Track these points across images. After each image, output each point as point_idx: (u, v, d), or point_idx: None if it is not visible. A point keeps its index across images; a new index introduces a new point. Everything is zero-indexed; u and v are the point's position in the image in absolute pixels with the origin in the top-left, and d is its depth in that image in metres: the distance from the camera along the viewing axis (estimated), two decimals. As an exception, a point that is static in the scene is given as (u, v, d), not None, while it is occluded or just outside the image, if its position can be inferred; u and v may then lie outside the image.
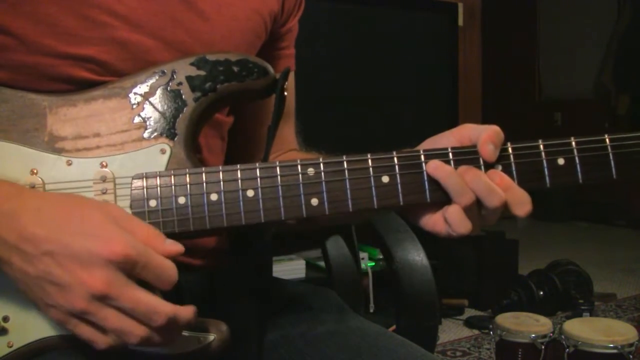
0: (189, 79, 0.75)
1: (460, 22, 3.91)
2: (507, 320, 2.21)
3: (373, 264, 2.83)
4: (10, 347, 0.70)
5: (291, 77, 0.99)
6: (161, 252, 0.66)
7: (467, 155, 0.73)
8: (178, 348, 0.70)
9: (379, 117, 3.33)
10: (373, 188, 0.73)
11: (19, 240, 0.63)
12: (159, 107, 0.75)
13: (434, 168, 0.72)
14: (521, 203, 0.72)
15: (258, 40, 0.90)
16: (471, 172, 0.71)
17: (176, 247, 0.67)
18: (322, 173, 0.73)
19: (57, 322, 0.67)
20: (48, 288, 0.63)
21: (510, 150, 0.74)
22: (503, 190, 0.71)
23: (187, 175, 0.72)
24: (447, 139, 0.75)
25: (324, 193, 0.72)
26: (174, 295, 0.73)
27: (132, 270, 0.64)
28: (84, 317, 0.64)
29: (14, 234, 0.64)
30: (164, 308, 0.64)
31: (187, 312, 0.66)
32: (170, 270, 0.66)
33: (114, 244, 0.63)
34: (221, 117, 0.90)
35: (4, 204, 0.65)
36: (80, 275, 0.62)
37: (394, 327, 1.16)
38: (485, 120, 0.75)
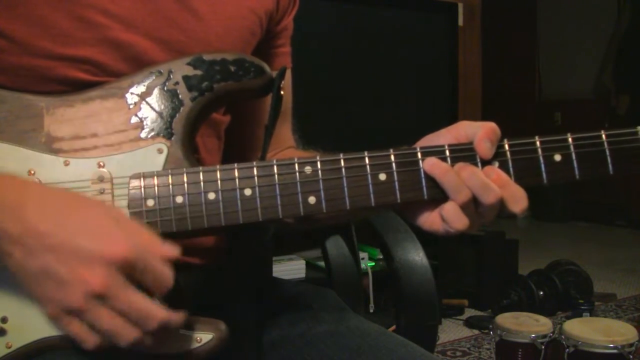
0: (186, 78, 0.75)
1: (460, 22, 3.91)
2: (507, 320, 2.21)
3: (373, 264, 2.83)
4: (9, 347, 0.70)
5: (288, 75, 0.99)
6: (159, 254, 0.66)
7: (463, 153, 0.73)
8: (176, 347, 0.70)
9: (379, 117, 3.33)
10: (370, 186, 0.73)
11: (22, 233, 0.63)
12: (156, 107, 0.75)
13: (431, 166, 0.72)
14: (517, 199, 0.72)
15: (254, 38, 0.91)
16: (467, 169, 0.71)
17: (173, 251, 0.67)
18: (320, 171, 0.73)
19: (50, 318, 0.67)
20: (47, 283, 0.63)
21: (507, 146, 0.74)
22: (499, 186, 0.71)
23: (185, 175, 0.72)
24: (445, 137, 0.75)
25: (322, 191, 0.72)
26: (172, 294, 0.73)
27: (131, 272, 0.64)
28: (78, 315, 0.64)
29: (18, 226, 0.64)
30: (157, 313, 0.64)
31: (179, 318, 0.66)
32: (167, 276, 0.66)
33: (116, 245, 0.63)
34: (218, 116, 0.90)
35: (8, 195, 0.66)
36: (80, 272, 0.62)
37: (394, 327, 1.16)
38: (484, 120, 0.75)
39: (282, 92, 0.80)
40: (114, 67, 0.78)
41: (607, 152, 0.74)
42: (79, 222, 0.65)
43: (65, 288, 0.63)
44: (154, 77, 0.75)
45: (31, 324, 0.70)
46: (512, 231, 3.32)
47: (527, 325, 2.16)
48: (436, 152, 0.74)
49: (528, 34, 6.29)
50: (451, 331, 2.94)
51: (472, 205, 0.72)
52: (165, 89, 0.75)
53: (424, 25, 3.58)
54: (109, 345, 0.65)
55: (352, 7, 3.28)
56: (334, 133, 3.02)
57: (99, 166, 0.73)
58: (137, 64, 0.78)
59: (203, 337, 0.70)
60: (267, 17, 0.92)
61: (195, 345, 0.70)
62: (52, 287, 0.63)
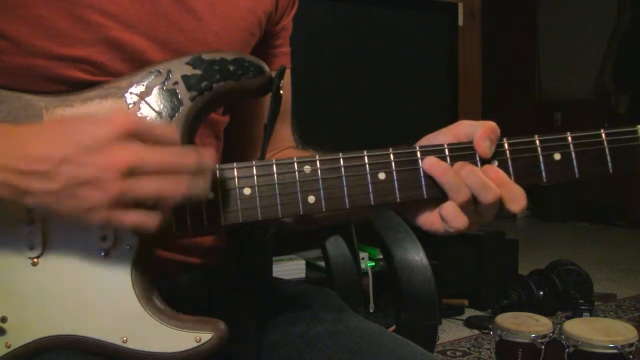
0: (185, 78, 0.75)
1: (460, 22, 3.91)
2: (507, 320, 2.21)
3: (373, 264, 2.83)
4: (9, 347, 0.70)
5: (287, 75, 0.99)
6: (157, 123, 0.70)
7: (463, 152, 0.73)
8: (176, 347, 0.70)
9: (379, 117, 3.33)
10: (369, 185, 0.73)
11: (32, 165, 0.63)
12: (155, 106, 0.75)
13: (430, 165, 0.72)
14: (516, 198, 0.72)
15: (252, 38, 0.91)
16: (466, 168, 0.71)
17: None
18: (319, 170, 0.73)
19: (104, 226, 0.67)
20: (79, 192, 0.63)
21: (506, 145, 0.74)
22: (498, 185, 0.71)
23: (184, 175, 0.72)
24: (444, 136, 0.75)
25: (321, 190, 0.72)
26: (171, 294, 0.73)
27: (141, 136, 0.64)
28: (124, 200, 0.63)
29: (22, 161, 0.63)
30: (187, 150, 0.66)
31: (206, 151, 0.68)
32: (172, 131, 0.68)
33: (116, 120, 0.64)
34: (216, 116, 0.90)
35: (6, 139, 0.65)
36: (100, 162, 0.62)
37: (394, 327, 1.16)
38: (484, 120, 0.75)
39: (281, 92, 0.80)
40: (113, 66, 0.78)
41: (607, 151, 0.74)
42: (77, 127, 0.65)
43: (97, 184, 0.62)
44: (153, 77, 0.75)
45: (31, 324, 0.70)
46: (512, 231, 3.32)
47: (527, 325, 2.16)
48: (435, 151, 0.74)
49: (528, 34, 6.29)
50: (451, 331, 2.94)
51: (472, 205, 0.72)
52: (165, 88, 0.75)
53: (424, 25, 3.58)
54: (169, 211, 0.66)
55: (352, 7, 3.28)
56: (334, 133, 3.02)
57: (99, 166, 0.73)
58: (136, 63, 0.78)
59: (202, 336, 0.70)
60: (266, 17, 0.92)
61: (195, 344, 0.70)
62: (85, 193, 0.63)
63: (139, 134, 0.64)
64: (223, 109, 0.92)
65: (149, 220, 0.65)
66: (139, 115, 0.73)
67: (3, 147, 0.64)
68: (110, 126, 0.63)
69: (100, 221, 0.64)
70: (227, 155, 0.95)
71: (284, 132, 1.01)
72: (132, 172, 0.63)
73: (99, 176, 0.62)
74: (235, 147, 0.98)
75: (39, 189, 0.63)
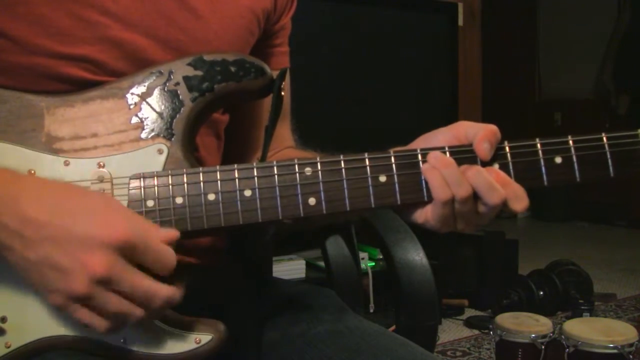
0: (186, 79, 0.75)
1: (460, 22, 3.91)
2: (507, 320, 2.21)
3: (373, 264, 2.83)
4: (8, 347, 0.70)
5: (286, 74, 0.99)
6: (159, 236, 0.67)
7: (464, 154, 0.74)
8: (176, 348, 0.70)
9: (379, 117, 3.33)
10: (370, 187, 0.73)
11: (20, 225, 0.63)
12: (156, 107, 0.75)
13: (434, 158, 0.73)
14: (518, 198, 0.72)
15: (252, 37, 0.91)
16: (472, 169, 0.72)
17: (172, 232, 0.68)
18: (320, 172, 0.73)
19: (56, 308, 0.67)
20: (49, 273, 0.63)
21: (507, 149, 0.74)
22: (501, 186, 0.71)
23: (185, 175, 0.72)
24: (444, 135, 0.76)
25: (322, 192, 0.73)
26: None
27: (132, 254, 0.64)
28: (84, 301, 0.64)
29: (15, 219, 0.63)
30: (162, 291, 0.65)
31: (180, 293, 0.67)
32: (169, 255, 0.67)
33: (115, 227, 0.63)
34: (216, 115, 0.90)
35: (4, 189, 0.65)
36: (81, 258, 0.62)
37: (394, 327, 1.16)
38: (485, 120, 0.75)
39: (282, 93, 0.80)
40: (114, 65, 0.78)
41: (608, 155, 0.74)
42: (76, 210, 0.65)
43: (68, 276, 0.63)
44: (154, 78, 0.75)
45: (30, 324, 0.70)
46: (512, 231, 3.32)
47: (527, 325, 2.16)
48: None
49: (528, 34, 6.29)
50: (451, 331, 2.94)
51: (472, 204, 0.72)
52: (166, 89, 0.75)
53: (424, 25, 3.58)
54: (119, 327, 0.66)
55: (352, 7, 3.28)
56: (334, 133, 3.02)
57: (99, 166, 0.73)
58: (137, 62, 0.78)
59: (202, 337, 0.70)
60: (265, 16, 0.92)
61: (195, 346, 0.70)
62: (54, 276, 0.63)
63: (132, 249, 0.64)
64: (223, 108, 0.92)
65: (100, 325, 0.65)
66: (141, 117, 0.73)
67: (1, 194, 0.65)
68: (108, 232, 0.63)
69: (57, 306, 0.65)
70: (227, 155, 0.95)
71: (283, 132, 1.02)
72: (103, 282, 0.63)
73: (71, 269, 0.62)
74: (235, 147, 0.98)
75: (18, 250, 0.64)
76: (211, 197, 0.72)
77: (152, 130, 0.74)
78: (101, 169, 0.73)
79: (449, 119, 3.58)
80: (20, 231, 0.63)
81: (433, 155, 0.73)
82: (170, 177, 0.72)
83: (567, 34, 5.92)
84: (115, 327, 0.66)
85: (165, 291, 0.65)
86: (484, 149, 0.73)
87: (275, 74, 0.79)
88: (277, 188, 0.72)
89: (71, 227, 0.63)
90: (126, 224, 0.64)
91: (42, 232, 0.63)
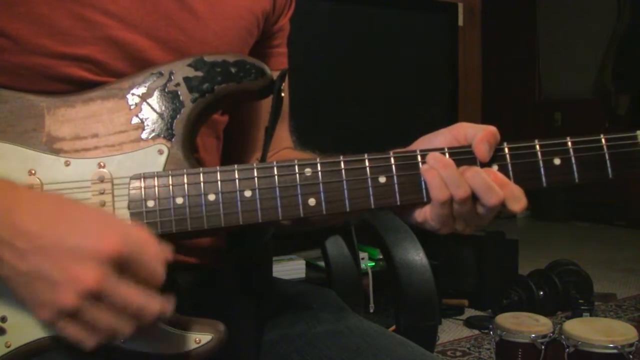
0: (187, 80, 0.75)
1: (460, 22, 3.91)
2: (507, 320, 2.21)
3: (373, 264, 2.83)
4: (9, 347, 0.70)
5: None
6: (153, 251, 0.65)
7: (463, 155, 0.74)
8: (175, 348, 0.70)
9: (379, 117, 3.33)
10: (370, 188, 0.73)
11: (12, 236, 0.62)
12: (156, 108, 0.75)
13: (433, 159, 0.73)
14: (516, 198, 0.72)
15: (251, 38, 0.91)
16: (471, 169, 0.72)
17: (167, 251, 0.66)
18: (320, 173, 0.73)
19: (45, 323, 0.65)
20: (38, 285, 0.62)
21: (506, 150, 0.74)
22: (499, 187, 0.71)
23: (185, 176, 0.72)
24: (443, 137, 0.76)
25: (321, 193, 0.73)
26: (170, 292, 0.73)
27: (124, 268, 0.62)
28: (74, 315, 0.62)
29: (7, 229, 0.62)
30: (153, 305, 0.63)
31: (171, 306, 0.66)
32: (159, 273, 0.65)
33: (108, 241, 0.62)
34: (216, 116, 0.91)
35: None
36: (72, 271, 0.61)
37: (394, 327, 1.16)
38: (485, 120, 0.75)
39: (282, 94, 0.80)
40: (114, 65, 0.78)
41: (607, 156, 0.74)
42: (69, 222, 0.63)
43: (58, 289, 0.61)
44: (154, 78, 0.76)
45: (30, 324, 0.70)
46: (512, 231, 3.32)
47: (527, 325, 2.16)
48: None
49: (528, 34, 6.28)
50: (451, 331, 2.94)
51: (471, 204, 0.72)
52: (166, 90, 0.75)
53: (424, 25, 3.58)
54: (108, 342, 0.65)
55: (352, 7, 3.28)
56: (333, 133, 3.02)
57: (100, 166, 0.73)
58: (137, 62, 0.78)
59: (202, 338, 0.71)
60: (264, 17, 0.92)
61: (194, 346, 0.70)
62: (44, 289, 0.62)
63: (124, 263, 0.62)
64: (223, 109, 0.93)
65: (90, 341, 0.64)
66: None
67: None
68: (100, 244, 0.61)
69: (44, 319, 0.63)
70: (227, 155, 0.95)
71: (282, 132, 1.02)
72: (93, 296, 0.61)
73: (61, 282, 0.61)
74: (234, 148, 0.98)
75: (9, 262, 0.63)
76: (211, 197, 0.72)
77: (153, 130, 0.75)
78: (102, 169, 0.73)
79: (449, 119, 3.59)
80: (12, 241, 0.62)
81: (432, 156, 0.73)
82: (170, 177, 0.72)
83: (567, 34, 5.91)
84: (106, 342, 0.64)
85: (157, 306, 0.64)
86: (483, 150, 0.73)
87: (274, 74, 0.79)
88: (277, 189, 0.72)
89: (63, 238, 0.62)
90: (119, 237, 0.62)
91: (34, 242, 0.61)
